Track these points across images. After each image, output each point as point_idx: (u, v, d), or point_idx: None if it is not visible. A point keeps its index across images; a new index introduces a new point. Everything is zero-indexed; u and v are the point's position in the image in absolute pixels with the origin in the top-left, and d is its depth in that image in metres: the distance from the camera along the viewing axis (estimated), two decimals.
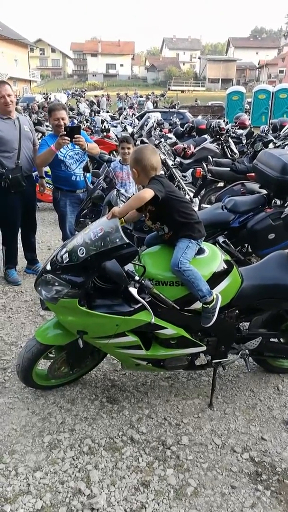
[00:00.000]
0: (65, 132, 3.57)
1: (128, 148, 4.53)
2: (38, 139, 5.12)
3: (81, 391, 2.71)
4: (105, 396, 2.67)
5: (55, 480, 2.08)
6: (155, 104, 28.69)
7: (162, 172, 5.53)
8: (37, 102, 25.04)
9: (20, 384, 2.69)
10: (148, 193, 2.14)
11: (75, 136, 3.59)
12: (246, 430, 2.45)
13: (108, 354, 2.67)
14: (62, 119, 3.87)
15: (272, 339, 2.71)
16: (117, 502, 1.98)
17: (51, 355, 2.56)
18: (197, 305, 2.28)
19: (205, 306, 2.22)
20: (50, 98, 27.96)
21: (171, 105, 25.95)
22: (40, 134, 8.37)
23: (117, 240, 2.10)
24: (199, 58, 70.68)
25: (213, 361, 2.55)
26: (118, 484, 2.07)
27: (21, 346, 3.11)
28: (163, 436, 2.38)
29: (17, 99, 22.75)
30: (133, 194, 3.24)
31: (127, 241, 2.09)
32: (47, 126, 11.28)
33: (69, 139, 3.57)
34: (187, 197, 5.66)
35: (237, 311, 2.49)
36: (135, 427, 2.43)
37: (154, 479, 2.10)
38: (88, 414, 2.52)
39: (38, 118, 14.48)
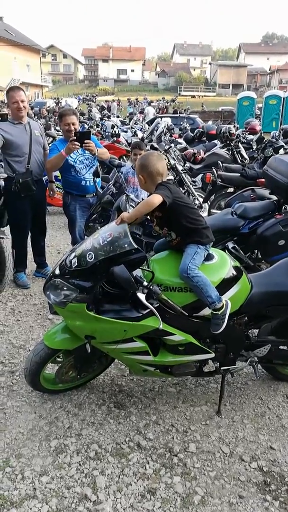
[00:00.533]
0: (75, 138, 3.60)
1: (141, 154, 4.54)
2: (49, 143, 5.17)
3: (89, 396, 2.71)
4: (112, 402, 2.66)
5: (61, 485, 2.08)
6: (165, 109, 28.77)
7: (172, 177, 5.54)
8: (48, 107, 25.26)
9: (28, 388, 2.70)
10: (156, 199, 2.14)
11: (85, 141, 3.62)
12: (254, 438, 2.42)
13: (116, 359, 2.67)
14: (73, 124, 3.89)
15: (281, 347, 2.67)
16: (123, 509, 1.96)
17: (59, 359, 2.56)
18: (206, 311, 2.27)
19: (214, 312, 2.21)
20: (61, 103, 28.19)
21: (175, 111, 25.94)
22: (50, 139, 8.44)
23: (126, 245, 2.10)
24: (210, 63, 70.82)
25: (222, 368, 2.52)
26: (125, 491, 2.06)
27: (29, 350, 3.12)
28: (170, 443, 2.36)
29: (30, 105, 23.05)
30: (143, 200, 3.24)
31: (136, 246, 2.09)
32: (57, 130, 11.39)
33: (79, 144, 3.59)
34: (197, 202, 5.65)
35: (246, 318, 2.46)
36: (142, 433, 2.42)
37: (160, 487, 2.09)
38: (95, 419, 2.52)
39: (49, 122, 14.63)
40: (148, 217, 2.45)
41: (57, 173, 4.29)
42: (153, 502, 2.00)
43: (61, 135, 4.78)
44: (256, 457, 2.29)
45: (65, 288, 2.23)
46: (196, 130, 12.12)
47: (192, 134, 11.94)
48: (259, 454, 2.31)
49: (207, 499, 2.03)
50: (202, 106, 32.01)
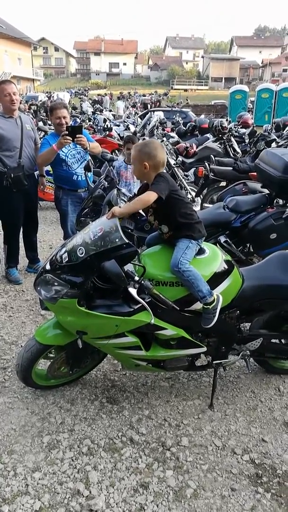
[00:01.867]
0: (67, 132, 3.56)
1: (128, 149, 4.53)
2: (40, 138, 5.11)
3: (81, 391, 2.70)
4: (105, 397, 2.66)
5: (53, 481, 2.08)
6: (158, 103, 28.64)
7: (164, 171, 5.51)
8: (40, 101, 25.01)
9: (20, 384, 2.69)
10: (152, 196, 2.13)
11: (77, 135, 3.59)
12: (246, 431, 2.43)
13: (108, 354, 2.66)
14: (64, 117, 3.85)
15: (273, 340, 2.69)
16: (116, 504, 1.97)
17: (50, 355, 2.55)
18: (197, 305, 2.27)
19: (205, 306, 2.20)
20: (53, 97, 27.93)
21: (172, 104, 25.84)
22: (42, 133, 8.37)
23: (117, 240, 2.09)
24: (202, 57, 70.57)
25: (214, 362, 2.53)
26: (117, 486, 2.06)
27: (21, 346, 3.10)
28: (163, 437, 2.36)
29: (22, 99, 22.78)
30: (135, 194, 3.22)
31: (127, 241, 2.08)
32: (49, 125, 11.28)
33: (71, 138, 3.56)
34: (189, 196, 5.64)
35: (238, 311, 2.47)
36: (135, 428, 2.42)
37: (153, 481, 2.09)
38: (87, 414, 2.51)
39: (41, 116, 14.51)
40: (141, 211, 2.43)
41: (49, 167, 4.25)
42: (146, 496, 2.01)
43: (53, 130, 4.74)
44: (248, 449, 2.30)
45: (56, 284, 2.22)
46: (189, 124, 12.08)
47: (184, 128, 11.90)
48: (251, 446, 2.32)
49: (200, 492, 2.04)
50: (187, 99, 31.84)
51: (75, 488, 2.03)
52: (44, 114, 16.43)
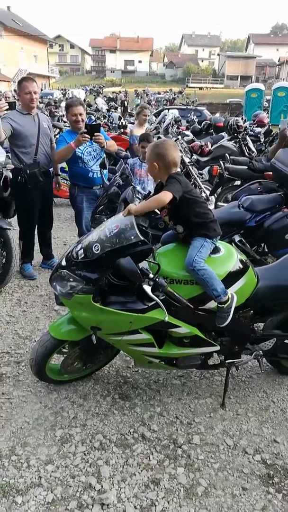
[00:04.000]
0: (85, 130, 3.59)
1: (143, 147, 4.54)
2: (55, 135, 5.15)
3: (94, 387, 2.72)
4: (117, 393, 2.68)
5: (66, 474, 2.10)
6: (173, 101, 28.55)
7: (178, 170, 5.51)
8: (56, 98, 25.18)
9: (33, 378, 2.72)
10: (167, 196, 2.13)
11: (95, 134, 3.61)
12: (258, 431, 2.42)
13: (121, 351, 2.68)
14: (80, 115, 3.88)
15: (286, 341, 2.66)
16: (127, 499, 1.98)
17: (64, 350, 2.58)
18: (212, 304, 2.27)
19: (220, 305, 2.20)
20: (68, 94, 28.06)
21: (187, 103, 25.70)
22: (57, 130, 8.42)
23: (132, 237, 2.10)
24: (218, 54, 69.97)
25: (227, 361, 2.53)
26: (129, 481, 2.08)
27: (35, 340, 3.14)
28: (174, 435, 2.37)
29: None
30: (149, 192, 3.23)
31: (142, 238, 2.09)
32: (64, 122, 11.35)
33: (89, 137, 3.58)
34: (203, 195, 5.62)
35: (252, 311, 2.46)
36: (146, 424, 2.44)
37: (164, 477, 2.10)
38: (100, 410, 2.54)
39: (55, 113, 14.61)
40: (156, 209, 2.44)
41: (64, 164, 4.28)
42: (157, 492, 2.02)
43: (68, 127, 4.77)
44: (260, 450, 2.30)
45: (71, 280, 2.24)
46: (204, 122, 12.01)
47: (199, 126, 11.84)
48: (262, 447, 2.32)
49: (211, 490, 2.05)
50: (196, 99, 31.37)
51: (87, 481, 2.06)
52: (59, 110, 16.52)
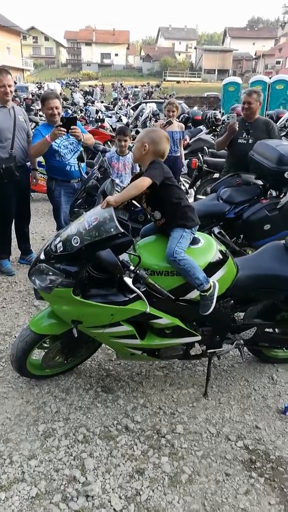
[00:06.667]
0: (61, 123, 3.54)
1: (125, 140, 4.53)
2: (32, 129, 5.05)
3: (76, 381, 2.71)
4: (100, 386, 2.67)
5: (50, 468, 2.09)
6: (151, 94, 28.45)
7: None
8: (31, 92, 24.74)
9: (15, 374, 2.69)
10: (146, 182, 2.14)
11: (71, 127, 3.56)
12: (240, 419, 2.46)
13: (103, 344, 2.67)
14: (56, 108, 3.82)
15: (266, 329, 2.71)
16: (112, 489, 1.99)
17: (45, 345, 2.55)
18: (192, 295, 2.28)
19: (203, 294, 2.22)
20: (43, 88, 27.60)
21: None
22: (33, 124, 8.28)
23: (112, 229, 2.09)
24: (195, 48, 70.05)
25: (208, 351, 2.55)
26: (113, 472, 2.08)
27: (15, 336, 3.10)
28: (158, 425, 2.39)
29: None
30: (128, 184, 3.21)
31: (122, 230, 2.08)
32: (40, 116, 11.16)
33: (65, 130, 3.53)
34: (183, 188, 5.64)
35: (232, 301, 2.49)
36: (130, 416, 2.44)
37: (149, 467, 2.12)
38: (82, 403, 2.53)
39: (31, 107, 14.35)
40: (134, 201, 2.43)
41: (41, 158, 4.21)
42: (142, 481, 2.03)
43: (44, 121, 4.69)
44: (242, 436, 2.34)
45: (50, 273, 2.21)
46: (182, 116, 12.01)
47: (177, 120, 11.83)
48: (245, 433, 2.36)
49: (194, 477, 2.07)
50: (174, 93, 31.18)
51: (71, 474, 2.05)
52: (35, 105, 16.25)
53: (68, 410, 2.47)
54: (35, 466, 2.09)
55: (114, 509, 1.89)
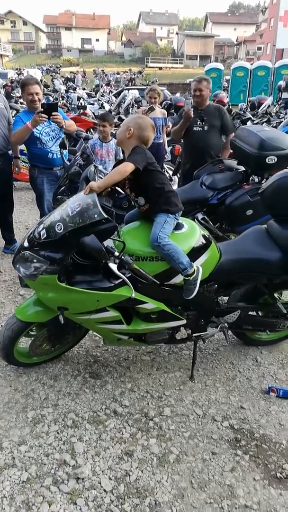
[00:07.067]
0: (42, 109, 3.48)
1: (104, 126, 4.49)
2: (13, 116, 4.96)
3: (64, 368, 2.73)
4: (87, 372, 2.70)
5: (40, 453, 2.11)
6: (133, 81, 28.12)
7: None
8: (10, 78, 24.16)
9: (2, 362, 2.69)
10: (129, 167, 2.14)
11: (53, 113, 3.51)
12: (226, 400, 2.52)
13: (90, 331, 2.69)
14: (36, 94, 3.75)
15: (250, 312, 2.77)
16: (102, 471, 2.03)
17: (32, 333, 2.56)
18: (177, 279, 2.31)
19: (186, 278, 2.24)
20: (23, 74, 26.97)
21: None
22: (14, 112, 8.13)
23: (96, 215, 2.09)
24: (177, 33, 69.29)
25: (193, 334, 2.59)
26: (103, 455, 2.12)
27: (1, 325, 3.08)
28: (145, 408, 2.43)
29: None
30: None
31: (106, 216, 2.08)
32: (21, 103, 10.94)
33: (47, 116, 3.48)
34: (166, 175, 5.63)
35: (216, 285, 2.53)
36: (118, 400, 2.48)
37: (137, 449, 2.16)
38: (71, 389, 2.55)
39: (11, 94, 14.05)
40: (117, 187, 2.43)
41: (23, 146, 4.15)
42: (131, 463, 2.08)
43: (25, 108, 4.61)
44: (228, 416, 2.40)
45: (35, 261, 2.21)
46: (164, 102, 11.92)
47: (160, 107, 11.75)
48: (230, 414, 2.42)
49: (182, 457, 2.13)
50: (156, 79, 30.81)
51: (61, 458, 2.08)
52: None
53: (57, 397, 2.49)
54: (25, 452, 2.11)
55: (104, 490, 1.93)
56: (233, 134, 4.41)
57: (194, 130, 4.21)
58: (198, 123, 4.19)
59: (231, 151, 4.42)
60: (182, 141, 4.63)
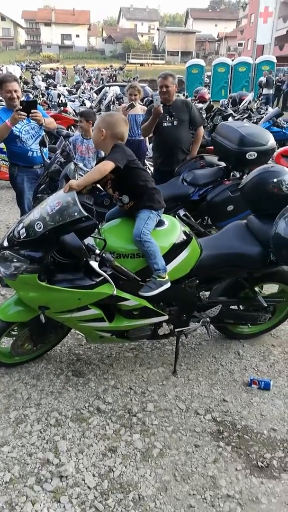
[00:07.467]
0: (21, 107, 3.44)
1: (81, 122, 4.52)
2: None
3: (46, 367, 2.72)
4: (70, 370, 2.70)
5: (23, 453, 2.11)
6: (114, 78, 27.95)
7: None
8: None
9: None
10: (108, 165, 2.14)
11: (32, 111, 3.47)
12: (208, 393, 2.55)
13: (72, 329, 2.69)
14: (15, 91, 3.70)
15: (231, 307, 2.80)
16: (86, 468, 2.03)
17: (13, 333, 2.54)
18: None
19: (154, 276, 2.25)
20: (1, 71, 26.52)
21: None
22: None
23: (75, 213, 2.08)
24: (158, 29, 69.14)
25: (176, 330, 2.62)
26: (86, 452, 2.12)
27: None
28: (129, 405, 2.44)
29: None
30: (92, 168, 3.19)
31: (86, 214, 2.08)
32: (0, 101, 10.76)
33: (26, 114, 3.44)
34: (148, 171, 5.64)
35: (197, 280, 2.55)
36: (101, 397, 2.48)
37: (121, 445, 2.17)
38: (54, 388, 2.54)
39: None
40: (98, 185, 2.42)
41: (2, 145, 4.09)
42: (114, 459, 2.09)
43: (3, 105, 4.54)
44: (210, 409, 2.43)
45: (14, 260, 2.19)
46: (146, 99, 11.92)
47: (141, 103, 11.72)
48: (213, 407, 2.45)
49: (165, 451, 2.15)
50: (137, 76, 30.67)
51: (44, 457, 2.08)
52: None
53: (40, 396, 2.48)
54: (8, 452, 2.10)
55: (88, 487, 1.94)
56: (202, 127, 4.48)
57: (164, 125, 4.21)
58: (167, 119, 4.20)
59: (212, 147, 4.45)
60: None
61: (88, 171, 3.25)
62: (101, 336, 2.48)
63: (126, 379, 2.64)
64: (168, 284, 2.27)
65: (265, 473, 2.04)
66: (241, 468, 2.06)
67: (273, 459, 2.11)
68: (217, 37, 61.08)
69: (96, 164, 2.40)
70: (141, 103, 6.61)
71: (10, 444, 2.15)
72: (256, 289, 2.85)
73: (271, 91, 17.36)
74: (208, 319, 2.71)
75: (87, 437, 2.21)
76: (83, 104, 12.19)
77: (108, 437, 2.22)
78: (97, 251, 2.13)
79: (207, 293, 2.74)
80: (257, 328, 3.02)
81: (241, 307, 2.89)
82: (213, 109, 8.37)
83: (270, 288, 3.13)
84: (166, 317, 2.49)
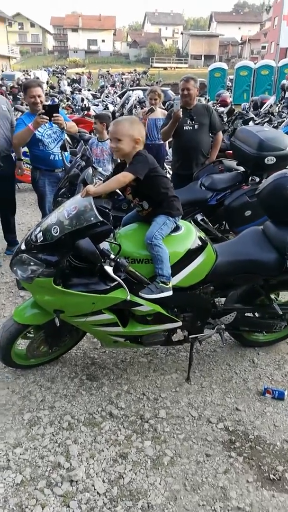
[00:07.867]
0: (43, 111, 3.51)
1: (95, 124, 4.61)
2: (17, 118, 5.00)
3: (61, 370, 2.74)
4: (85, 374, 2.71)
5: (35, 455, 2.13)
6: (137, 82, 28.12)
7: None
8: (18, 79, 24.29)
9: (0, 364, 2.71)
10: (128, 178, 2.15)
11: (54, 115, 3.54)
12: (221, 402, 2.52)
13: (88, 333, 2.70)
14: (39, 96, 3.79)
15: (247, 314, 2.76)
16: (96, 474, 2.04)
17: (29, 335, 2.58)
18: (173, 281, 2.31)
19: (157, 281, 2.23)
20: (29, 76, 27.08)
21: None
22: (19, 113, 8.17)
23: (91, 218, 2.10)
24: (182, 33, 69.15)
25: (190, 336, 2.60)
26: (97, 457, 2.13)
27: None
28: (141, 411, 2.43)
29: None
30: (110, 172, 3.21)
31: (101, 219, 2.09)
32: (26, 105, 10.98)
33: (48, 118, 3.51)
34: (168, 175, 5.64)
35: (212, 286, 2.53)
36: (114, 402, 2.48)
37: (132, 451, 2.16)
38: (68, 391, 2.56)
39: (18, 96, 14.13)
40: (117, 190, 2.43)
41: (26, 148, 4.19)
42: (125, 465, 2.08)
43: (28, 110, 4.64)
44: (223, 418, 2.40)
45: (31, 263, 2.22)
46: (168, 103, 11.92)
47: (163, 107, 11.75)
48: (225, 415, 2.42)
49: (176, 459, 2.13)
50: (160, 80, 30.72)
51: (56, 461, 2.09)
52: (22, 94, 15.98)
53: (53, 399, 2.50)
54: (20, 454, 2.13)
55: (98, 493, 1.94)
56: (221, 132, 4.48)
57: (185, 129, 4.20)
58: (188, 122, 4.19)
59: (231, 151, 4.42)
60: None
61: (107, 175, 3.28)
62: (115, 341, 2.49)
63: (139, 385, 2.64)
64: (170, 293, 2.26)
65: (276, 486, 1.99)
66: (252, 480, 2.02)
67: (286, 472, 2.06)
68: (241, 40, 60.63)
69: (114, 168, 2.41)
70: (163, 107, 6.61)
71: (23, 445, 2.18)
72: (272, 296, 2.80)
73: None
74: (223, 326, 2.68)
75: (98, 442, 2.21)
76: (106, 108, 12.29)
77: (119, 442, 2.22)
78: (112, 256, 2.14)
79: (222, 300, 2.72)
80: (272, 336, 2.97)
81: (256, 314, 2.84)
82: (234, 112, 8.30)
83: (286, 296, 3.07)
84: (180, 324, 2.47)
